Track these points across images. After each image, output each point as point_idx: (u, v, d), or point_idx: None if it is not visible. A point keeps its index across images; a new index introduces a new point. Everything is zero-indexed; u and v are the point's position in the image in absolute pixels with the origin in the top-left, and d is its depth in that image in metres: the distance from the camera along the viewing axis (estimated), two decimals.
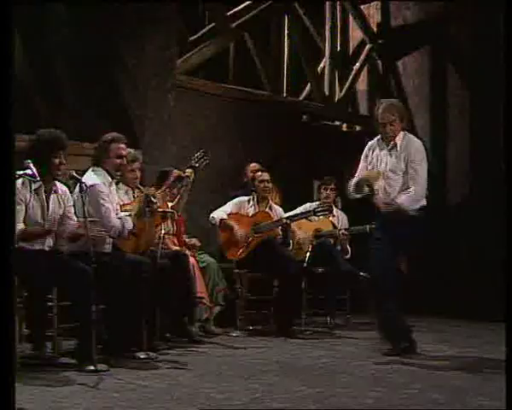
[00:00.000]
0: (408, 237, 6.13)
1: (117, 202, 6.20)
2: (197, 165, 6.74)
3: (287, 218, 7.83)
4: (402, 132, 6.29)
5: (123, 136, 6.16)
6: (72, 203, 5.70)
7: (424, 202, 6.22)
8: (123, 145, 6.12)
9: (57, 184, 5.67)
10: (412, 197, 6.12)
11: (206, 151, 6.74)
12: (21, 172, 5.12)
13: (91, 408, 4.08)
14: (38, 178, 5.34)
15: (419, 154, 6.27)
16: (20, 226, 5.32)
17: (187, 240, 7.39)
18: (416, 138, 6.41)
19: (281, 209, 8.07)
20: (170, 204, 6.78)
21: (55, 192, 5.64)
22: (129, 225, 6.03)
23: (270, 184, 7.89)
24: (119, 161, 6.08)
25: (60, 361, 5.54)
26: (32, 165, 5.18)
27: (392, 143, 6.26)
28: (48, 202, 5.55)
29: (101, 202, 5.91)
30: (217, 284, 7.40)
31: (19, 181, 5.32)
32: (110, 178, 6.10)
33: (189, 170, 6.74)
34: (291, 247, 7.95)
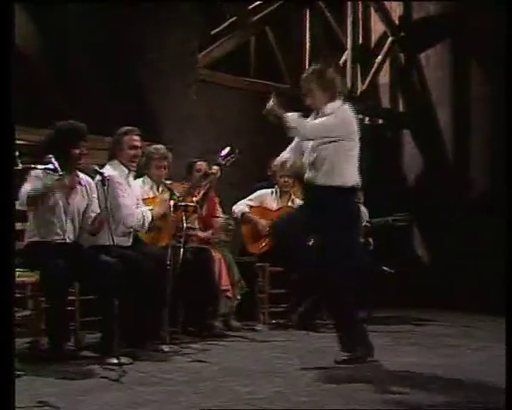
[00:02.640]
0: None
1: (137, 196, 6.22)
2: (224, 162, 6.71)
3: None
4: (331, 103, 5.41)
5: (136, 128, 6.21)
6: (96, 196, 5.73)
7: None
8: (136, 137, 6.18)
9: (81, 175, 5.71)
10: None
11: (234, 148, 6.70)
12: (43, 167, 5.14)
13: (114, 402, 4.09)
14: (61, 173, 5.35)
15: None
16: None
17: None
18: (348, 110, 5.44)
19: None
20: (194, 198, 6.78)
21: (79, 184, 5.67)
22: (148, 218, 6.06)
23: (290, 180, 7.87)
24: (132, 152, 6.13)
25: (82, 355, 5.55)
26: (53, 159, 5.19)
27: (318, 114, 5.52)
28: (72, 193, 5.59)
29: (119, 193, 5.95)
30: (235, 277, 7.39)
31: (39, 173, 5.34)
32: (126, 171, 6.13)
33: (215, 167, 6.71)
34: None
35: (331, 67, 5.64)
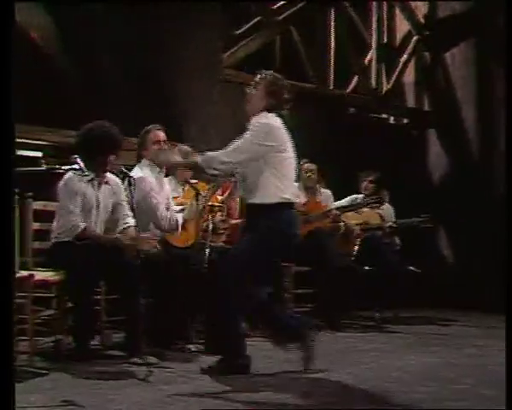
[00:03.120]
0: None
1: (168, 195, 6.24)
2: None
3: (337, 209, 7.81)
4: (259, 115, 5.15)
5: (158, 124, 6.24)
6: (124, 194, 5.74)
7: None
8: (158, 132, 6.19)
9: (109, 175, 5.74)
10: None
11: None
12: (68, 168, 5.16)
13: (141, 401, 4.10)
14: (86, 173, 5.39)
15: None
16: (81, 224, 5.44)
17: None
18: (273, 123, 5.13)
19: (330, 192, 8.05)
20: (219, 198, 6.79)
21: (107, 183, 5.71)
22: (180, 222, 6.08)
23: (314, 175, 7.88)
24: (157, 147, 6.13)
25: (109, 354, 5.58)
26: (79, 160, 5.22)
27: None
28: (99, 193, 5.62)
29: (150, 194, 5.96)
30: None
31: (69, 173, 5.39)
32: (157, 168, 6.15)
33: None
34: (339, 237, 7.93)
35: (279, 78, 5.39)
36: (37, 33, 7.71)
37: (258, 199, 5.00)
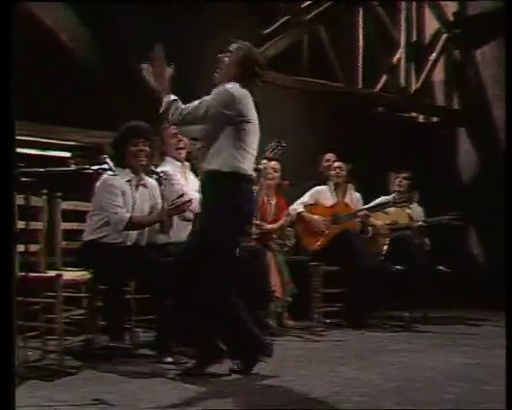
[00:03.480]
0: None
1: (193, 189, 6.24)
2: (271, 155, 6.70)
3: (365, 209, 7.78)
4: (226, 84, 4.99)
5: None
6: (160, 198, 5.75)
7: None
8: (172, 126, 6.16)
9: (146, 178, 5.76)
10: None
11: (280, 141, 6.69)
12: (97, 167, 5.17)
13: (170, 400, 4.11)
14: (116, 172, 5.41)
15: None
16: (127, 214, 5.48)
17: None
18: (228, 87, 4.94)
19: (359, 195, 8.03)
20: None
21: (145, 186, 5.73)
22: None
23: (343, 172, 7.86)
24: (173, 141, 6.13)
25: (138, 353, 5.59)
26: (108, 159, 5.24)
27: None
28: (136, 194, 5.65)
29: (173, 183, 5.96)
30: (284, 278, 7.35)
31: (110, 173, 5.42)
32: (179, 163, 6.15)
33: (264, 161, 6.71)
34: (368, 236, 7.91)
35: (254, 51, 5.27)
36: (66, 36, 7.77)
37: (213, 166, 4.84)
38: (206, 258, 4.80)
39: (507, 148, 4.42)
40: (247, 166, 4.92)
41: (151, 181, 5.80)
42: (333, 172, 7.87)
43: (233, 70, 5.02)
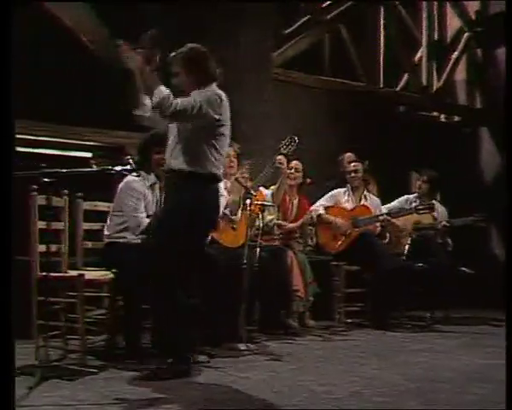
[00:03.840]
0: None
1: None
2: (286, 151, 6.65)
3: (386, 214, 7.74)
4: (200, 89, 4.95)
5: None
6: None
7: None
8: None
9: None
10: None
11: (293, 137, 6.64)
12: (120, 168, 5.18)
13: (191, 399, 4.11)
14: (139, 174, 5.45)
15: None
16: (146, 220, 5.55)
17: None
18: (217, 93, 4.99)
19: (377, 200, 7.97)
20: (265, 192, 6.77)
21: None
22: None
23: (359, 175, 7.81)
24: None
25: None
26: (131, 160, 5.25)
27: None
28: (161, 198, 5.67)
29: None
30: (307, 278, 7.33)
31: (135, 178, 5.45)
32: None
33: (279, 157, 6.67)
34: (389, 240, 7.88)
35: (200, 50, 5.19)
36: (86, 36, 7.79)
37: (184, 165, 4.81)
38: (159, 254, 4.77)
39: (507, 147, 4.39)
40: (219, 167, 4.94)
41: None
42: (349, 176, 7.83)
43: (195, 76, 4.99)
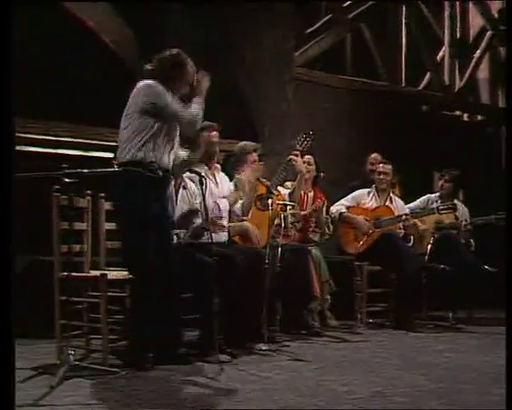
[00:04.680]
0: None
1: (222, 192, 6.22)
2: (302, 147, 6.61)
3: (408, 214, 7.71)
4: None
5: (214, 124, 6.11)
6: (198, 201, 5.73)
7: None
8: (212, 132, 6.08)
9: (187, 180, 5.76)
10: None
11: (308, 133, 6.60)
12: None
13: (213, 399, 4.11)
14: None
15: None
16: None
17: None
18: (148, 86, 5.11)
19: (402, 202, 7.94)
20: (284, 191, 6.75)
21: (184, 188, 5.74)
22: (226, 206, 6.07)
23: (388, 177, 7.77)
24: (208, 148, 6.07)
25: (181, 352, 5.60)
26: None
27: None
28: (176, 197, 5.66)
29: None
30: (323, 277, 7.29)
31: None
32: (205, 167, 6.10)
33: (295, 152, 6.60)
34: (412, 242, 7.86)
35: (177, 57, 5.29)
36: (110, 37, 7.82)
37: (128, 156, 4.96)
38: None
39: (507, 147, 4.36)
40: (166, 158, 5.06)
41: (190, 184, 5.80)
42: (377, 177, 7.79)
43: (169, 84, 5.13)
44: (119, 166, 5.06)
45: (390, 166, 7.79)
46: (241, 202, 6.29)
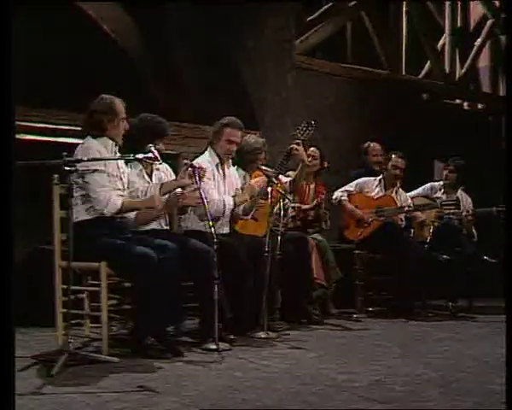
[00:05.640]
0: None
1: (232, 183, 6.20)
2: (303, 137, 6.57)
3: (410, 206, 7.71)
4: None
5: (239, 122, 6.11)
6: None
7: None
8: (237, 131, 6.08)
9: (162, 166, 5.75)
10: None
11: (310, 122, 6.56)
12: (142, 156, 5.16)
13: (213, 387, 4.11)
14: (161, 161, 5.42)
15: None
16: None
17: None
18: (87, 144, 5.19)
19: (406, 194, 7.93)
20: (285, 179, 6.74)
21: (158, 170, 5.70)
22: (230, 205, 6.02)
23: (401, 173, 7.74)
24: (228, 146, 6.06)
25: (181, 340, 5.61)
26: (153, 148, 5.22)
27: None
28: (151, 180, 5.62)
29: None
30: (330, 263, 7.29)
31: (156, 162, 5.39)
32: (217, 160, 6.09)
33: (294, 144, 6.57)
34: (412, 231, 7.86)
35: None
36: (109, 26, 7.80)
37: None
38: None
39: (507, 147, 4.35)
40: None
41: (163, 167, 5.76)
42: (393, 171, 7.73)
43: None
44: None
45: (404, 162, 7.76)
46: (245, 204, 6.23)
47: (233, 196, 6.11)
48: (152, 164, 5.62)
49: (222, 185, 6.11)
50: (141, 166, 5.61)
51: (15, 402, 3.40)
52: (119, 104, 5.25)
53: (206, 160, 6.01)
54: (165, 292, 5.00)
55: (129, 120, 5.32)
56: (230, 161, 6.27)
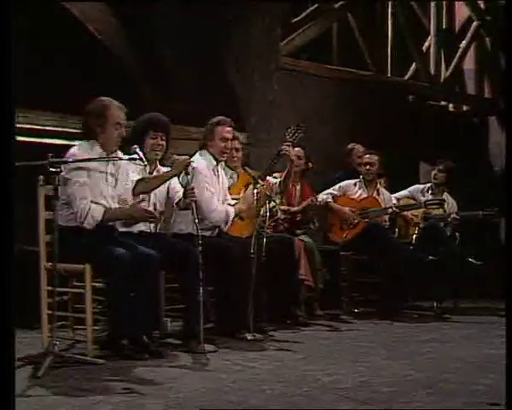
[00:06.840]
0: None
1: (225, 188, 6.20)
2: (293, 139, 6.57)
3: (395, 207, 7.73)
4: None
5: (229, 119, 6.13)
6: (176, 186, 5.67)
7: None
8: (229, 128, 6.10)
9: (160, 167, 5.70)
10: None
11: (300, 125, 6.56)
12: (128, 157, 5.16)
13: (199, 389, 4.10)
14: (146, 163, 5.39)
15: None
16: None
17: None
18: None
19: (389, 194, 7.95)
20: (273, 180, 6.73)
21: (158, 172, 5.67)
22: (232, 216, 6.02)
23: (374, 168, 7.77)
24: (223, 144, 6.07)
25: (167, 342, 5.60)
26: (138, 149, 5.20)
27: None
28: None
29: (205, 185, 5.91)
30: (316, 264, 7.30)
31: (140, 163, 5.35)
32: (215, 162, 6.10)
33: (286, 143, 6.56)
34: (397, 231, 7.89)
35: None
36: (94, 26, 7.77)
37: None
38: None
39: (507, 147, 4.38)
40: None
41: (164, 170, 5.72)
42: (364, 168, 7.78)
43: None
44: None
45: (377, 157, 7.79)
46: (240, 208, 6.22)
47: (234, 205, 6.13)
48: (155, 165, 5.64)
49: (218, 189, 6.09)
50: (141, 167, 5.59)
51: (15, 403, 3.39)
52: (115, 109, 5.16)
53: (204, 164, 5.99)
54: (140, 296, 4.97)
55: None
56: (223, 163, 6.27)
